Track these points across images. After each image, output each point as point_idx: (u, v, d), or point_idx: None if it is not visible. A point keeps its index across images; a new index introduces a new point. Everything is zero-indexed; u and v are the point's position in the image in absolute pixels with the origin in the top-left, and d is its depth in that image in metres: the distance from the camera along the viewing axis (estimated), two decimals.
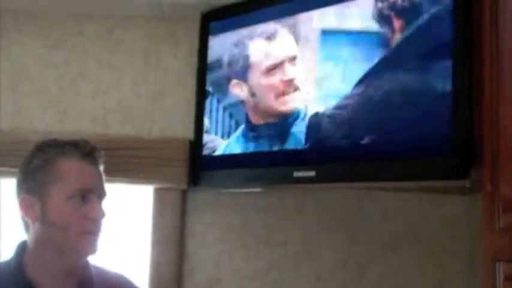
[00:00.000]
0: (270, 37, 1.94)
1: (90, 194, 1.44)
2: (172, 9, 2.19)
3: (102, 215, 1.45)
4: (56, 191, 1.43)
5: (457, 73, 1.51)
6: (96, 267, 1.57)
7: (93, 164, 1.47)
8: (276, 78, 1.90)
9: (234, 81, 2.01)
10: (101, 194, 1.47)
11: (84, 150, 1.46)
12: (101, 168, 1.49)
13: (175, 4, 2.14)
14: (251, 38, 1.99)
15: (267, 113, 1.93)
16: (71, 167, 1.44)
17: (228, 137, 2.04)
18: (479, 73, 1.46)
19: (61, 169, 1.44)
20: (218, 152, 2.06)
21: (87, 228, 1.43)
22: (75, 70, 2.27)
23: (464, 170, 1.49)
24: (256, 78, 1.95)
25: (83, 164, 1.45)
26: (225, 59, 2.06)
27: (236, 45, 2.02)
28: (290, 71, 1.88)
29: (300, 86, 1.86)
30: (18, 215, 1.46)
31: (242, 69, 2.00)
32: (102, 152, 1.51)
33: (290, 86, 1.87)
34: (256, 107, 1.96)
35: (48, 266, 1.45)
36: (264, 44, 1.95)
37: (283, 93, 1.88)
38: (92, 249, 1.46)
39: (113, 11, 2.26)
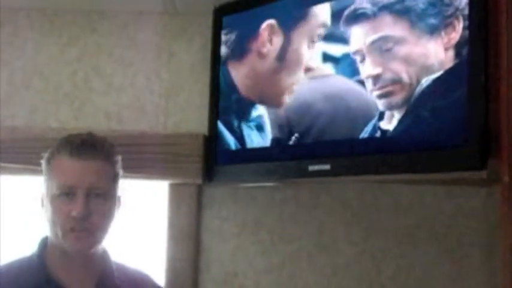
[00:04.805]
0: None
1: (77, 191, 1.42)
2: (185, 4, 2.19)
3: (83, 212, 1.41)
4: (48, 189, 1.47)
5: (473, 62, 1.49)
6: (117, 263, 1.58)
7: (83, 159, 1.44)
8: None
9: None
10: (92, 189, 1.44)
11: (73, 145, 1.44)
12: (100, 162, 1.46)
13: None
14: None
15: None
16: (58, 165, 1.45)
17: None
18: (496, 62, 1.44)
19: (52, 167, 1.46)
20: (231, 147, 2.05)
21: (71, 226, 1.42)
22: (89, 67, 2.28)
23: (481, 161, 1.47)
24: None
25: (71, 161, 1.44)
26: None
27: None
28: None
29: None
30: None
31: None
32: (103, 146, 1.49)
33: None
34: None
35: (62, 259, 1.47)
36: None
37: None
38: (80, 246, 1.45)
39: (125, 7, 2.26)
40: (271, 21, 1.93)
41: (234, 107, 2.05)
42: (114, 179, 1.51)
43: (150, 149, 2.12)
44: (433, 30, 1.57)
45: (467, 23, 1.51)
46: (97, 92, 2.26)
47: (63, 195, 1.42)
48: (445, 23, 1.55)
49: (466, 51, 1.50)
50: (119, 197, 1.56)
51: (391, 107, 1.64)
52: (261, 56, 1.96)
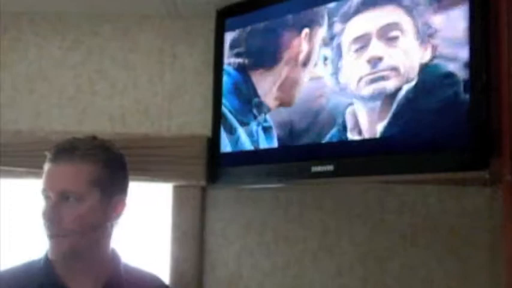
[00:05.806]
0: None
1: (50, 195, 1.43)
2: (187, 6, 2.19)
3: (49, 216, 1.41)
4: None
5: (475, 64, 1.49)
6: (127, 265, 1.58)
7: (57, 163, 1.44)
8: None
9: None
10: (64, 193, 1.42)
11: (55, 150, 1.46)
12: (76, 165, 1.44)
13: (189, 2, 2.15)
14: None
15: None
16: (44, 170, 1.46)
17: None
18: (497, 64, 1.45)
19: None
20: (235, 149, 2.06)
21: (47, 233, 1.43)
22: (92, 70, 2.29)
23: (483, 161, 1.48)
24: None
25: (48, 166, 1.45)
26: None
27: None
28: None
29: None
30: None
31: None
32: (85, 149, 1.46)
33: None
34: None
35: (69, 262, 1.47)
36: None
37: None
38: (55, 252, 1.43)
39: (128, 11, 2.27)
40: (307, 30, 1.92)
41: (254, 111, 2.03)
42: (95, 182, 1.46)
43: (154, 151, 2.13)
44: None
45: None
46: (101, 95, 2.27)
47: (44, 200, 1.44)
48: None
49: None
50: (119, 198, 1.52)
51: (380, 93, 1.66)
52: (296, 61, 1.93)
